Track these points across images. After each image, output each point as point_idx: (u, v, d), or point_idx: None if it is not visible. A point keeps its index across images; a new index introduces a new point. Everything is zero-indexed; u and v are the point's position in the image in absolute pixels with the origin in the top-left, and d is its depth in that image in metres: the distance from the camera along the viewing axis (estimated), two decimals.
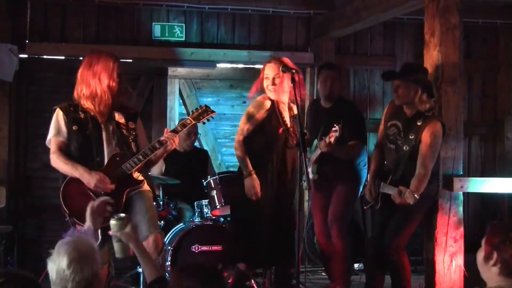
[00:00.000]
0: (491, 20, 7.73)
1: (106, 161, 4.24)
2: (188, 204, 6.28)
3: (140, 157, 4.23)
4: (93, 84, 4.22)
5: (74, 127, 4.23)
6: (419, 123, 4.73)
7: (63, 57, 7.04)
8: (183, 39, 7.32)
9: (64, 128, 4.26)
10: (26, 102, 7.08)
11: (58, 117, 4.28)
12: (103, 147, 4.26)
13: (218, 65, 7.44)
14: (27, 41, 6.92)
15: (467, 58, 7.10)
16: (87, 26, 7.10)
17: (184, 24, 7.33)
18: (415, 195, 4.53)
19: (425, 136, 4.69)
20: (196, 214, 5.94)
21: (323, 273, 6.86)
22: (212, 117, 4.63)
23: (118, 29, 7.19)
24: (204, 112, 4.57)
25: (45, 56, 7.07)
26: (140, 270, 5.56)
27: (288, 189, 5.02)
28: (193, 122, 4.51)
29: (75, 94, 4.31)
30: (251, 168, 4.87)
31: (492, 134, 8.04)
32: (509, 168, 7.85)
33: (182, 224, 5.92)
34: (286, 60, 4.87)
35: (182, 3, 7.22)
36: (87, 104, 4.25)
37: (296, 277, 4.49)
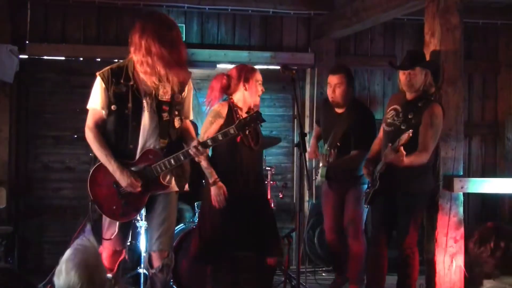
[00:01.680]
0: (491, 21, 7.73)
1: (138, 151, 4.06)
2: (188, 205, 6.28)
3: (172, 161, 4.02)
4: (164, 50, 3.95)
5: (112, 107, 4.03)
6: (420, 105, 4.77)
7: (63, 58, 7.04)
8: (183, 39, 7.28)
9: (105, 103, 4.05)
10: (27, 103, 7.08)
11: (101, 88, 4.06)
12: (139, 134, 4.06)
13: (218, 65, 7.43)
14: (27, 42, 6.92)
15: (468, 59, 7.10)
16: (87, 27, 7.10)
17: (184, 25, 7.33)
18: (400, 150, 4.52)
19: (426, 117, 4.72)
20: (196, 214, 5.94)
21: (323, 274, 6.87)
22: (261, 126, 4.38)
23: (118, 30, 7.19)
24: (252, 121, 4.06)
25: (45, 57, 7.07)
26: (140, 270, 5.56)
27: (257, 188, 5.04)
28: (237, 132, 4.06)
29: (139, 56, 4.00)
30: (216, 176, 4.84)
31: (493, 135, 8.04)
32: (509, 169, 7.84)
33: (182, 224, 5.92)
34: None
35: (183, 3, 7.23)
36: (157, 64, 3.97)
37: (297, 278, 4.50)
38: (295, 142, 7.42)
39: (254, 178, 4.97)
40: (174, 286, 5.51)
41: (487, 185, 5.41)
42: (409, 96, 4.89)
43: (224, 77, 4.94)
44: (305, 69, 7.60)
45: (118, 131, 4.07)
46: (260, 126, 4.84)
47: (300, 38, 7.65)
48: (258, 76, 5.00)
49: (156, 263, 4.16)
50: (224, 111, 4.87)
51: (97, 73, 4.10)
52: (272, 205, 5.60)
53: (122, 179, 4.01)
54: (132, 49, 4.04)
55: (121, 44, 7.07)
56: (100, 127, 4.09)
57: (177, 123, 4.17)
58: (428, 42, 5.12)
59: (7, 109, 6.86)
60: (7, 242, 6.37)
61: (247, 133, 4.53)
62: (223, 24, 7.48)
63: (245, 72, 4.95)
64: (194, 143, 4.02)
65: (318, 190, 6.34)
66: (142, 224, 5.51)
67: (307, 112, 7.50)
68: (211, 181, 4.84)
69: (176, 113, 4.15)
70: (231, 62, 7.44)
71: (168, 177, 4.17)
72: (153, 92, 4.08)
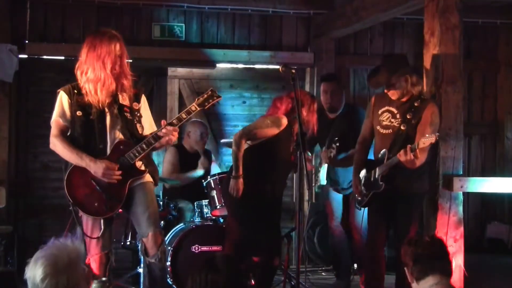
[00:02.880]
0: (491, 20, 7.74)
1: (108, 148, 4.18)
2: (188, 204, 6.28)
3: (144, 146, 4.16)
4: (97, 67, 4.13)
5: (78, 113, 4.17)
6: (416, 104, 4.75)
7: (62, 57, 7.03)
8: (183, 39, 7.32)
9: (68, 112, 4.19)
10: (26, 103, 7.08)
11: (62, 100, 4.22)
12: (106, 134, 4.19)
13: (218, 65, 7.44)
14: (26, 41, 6.92)
15: (467, 58, 7.10)
16: (86, 26, 7.08)
17: (184, 24, 7.33)
18: (416, 153, 4.51)
19: (426, 116, 4.70)
20: (196, 214, 5.94)
21: (323, 273, 6.88)
22: (218, 102, 4.47)
23: (118, 29, 7.00)
24: (210, 97, 4.35)
25: (44, 57, 7.06)
26: (140, 270, 5.56)
27: (281, 193, 5.27)
28: (198, 109, 4.30)
29: (78, 74, 4.22)
30: (241, 172, 4.94)
31: (492, 134, 8.05)
32: (509, 168, 7.85)
33: (182, 224, 5.92)
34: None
35: (182, 3, 7.23)
36: (90, 87, 4.16)
37: (297, 277, 4.50)
38: None
39: (282, 185, 5.26)
40: (174, 286, 5.51)
41: (487, 184, 5.41)
42: (401, 98, 4.86)
43: (290, 102, 5.05)
44: (305, 68, 7.60)
45: (86, 134, 4.19)
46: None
47: (299, 37, 7.65)
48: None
49: (152, 250, 4.24)
50: (284, 124, 5.02)
51: (58, 90, 4.26)
52: None
53: (97, 168, 4.10)
54: (85, 66, 4.19)
55: None
56: (65, 134, 4.20)
57: (139, 129, 4.29)
58: (428, 41, 5.12)
59: (7, 109, 6.86)
60: (6, 242, 6.37)
61: (292, 149, 4.92)
62: (223, 24, 7.48)
63: (310, 103, 5.12)
64: (162, 123, 4.17)
65: (319, 197, 6.37)
66: None
67: None
68: (235, 173, 4.93)
69: (137, 119, 4.28)
70: (230, 62, 7.47)
71: (143, 166, 4.27)
72: (113, 99, 4.22)
